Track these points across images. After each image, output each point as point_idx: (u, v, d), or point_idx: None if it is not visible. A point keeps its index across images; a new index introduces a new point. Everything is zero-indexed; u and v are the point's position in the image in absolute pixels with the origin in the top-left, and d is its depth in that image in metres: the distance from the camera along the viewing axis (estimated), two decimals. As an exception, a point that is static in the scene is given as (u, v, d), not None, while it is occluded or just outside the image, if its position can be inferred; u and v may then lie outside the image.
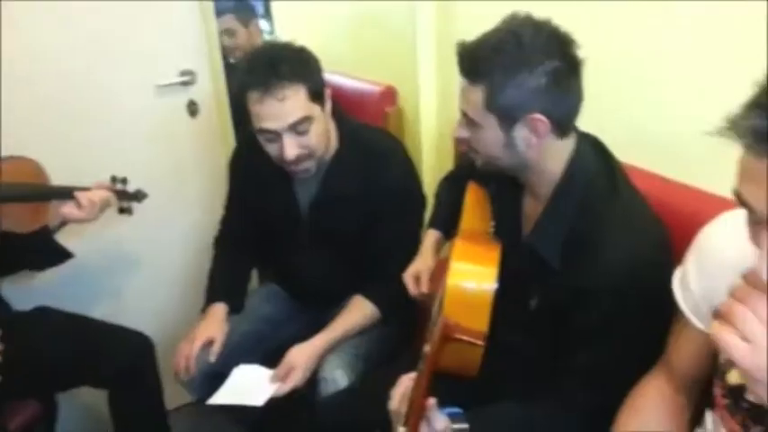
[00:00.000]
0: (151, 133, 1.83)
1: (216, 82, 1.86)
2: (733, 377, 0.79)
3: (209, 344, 1.43)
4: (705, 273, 0.82)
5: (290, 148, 1.29)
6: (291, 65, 1.26)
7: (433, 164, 1.86)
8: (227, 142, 1.90)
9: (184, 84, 1.81)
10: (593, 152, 1.02)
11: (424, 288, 1.22)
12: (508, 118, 0.95)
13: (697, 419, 0.90)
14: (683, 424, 0.90)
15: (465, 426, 0.96)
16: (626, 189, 0.99)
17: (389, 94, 1.90)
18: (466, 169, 1.27)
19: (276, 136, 1.29)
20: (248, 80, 1.27)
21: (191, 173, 1.92)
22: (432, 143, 1.86)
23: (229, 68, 1.90)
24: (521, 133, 0.96)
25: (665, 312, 0.89)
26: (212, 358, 1.41)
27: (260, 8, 2.89)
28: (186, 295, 1.41)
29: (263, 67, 1.25)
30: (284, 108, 1.25)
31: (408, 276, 1.24)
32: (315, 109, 1.30)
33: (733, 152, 0.59)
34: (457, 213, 1.23)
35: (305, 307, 1.59)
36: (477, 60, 0.95)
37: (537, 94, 0.92)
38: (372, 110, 1.90)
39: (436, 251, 1.28)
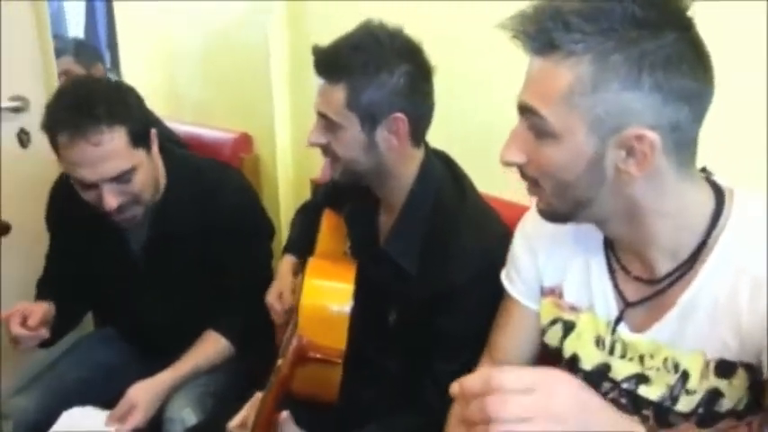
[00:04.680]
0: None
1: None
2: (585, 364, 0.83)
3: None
4: (532, 252, 0.89)
5: (111, 198, 1.16)
6: (108, 104, 1.13)
7: (291, 209, 1.87)
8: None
9: (15, 110, 1.67)
10: (439, 161, 1.10)
11: (288, 302, 1.17)
12: (370, 118, 0.99)
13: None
14: None
15: None
16: (471, 194, 1.08)
17: (244, 141, 1.91)
18: (321, 198, 1.30)
19: (93, 185, 1.17)
20: (56, 121, 1.13)
21: (20, 210, 1.72)
22: (290, 189, 1.88)
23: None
24: (382, 135, 1.01)
25: None
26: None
27: (107, 59, 2.80)
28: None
29: (72, 106, 1.12)
30: (100, 155, 1.12)
31: (271, 298, 1.19)
32: (138, 156, 1.18)
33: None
34: (312, 239, 1.24)
35: (147, 353, 1.45)
36: (337, 58, 0.99)
37: (397, 95, 0.98)
38: (227, 158, 1.89)
39: (293, 275, 1.25)
